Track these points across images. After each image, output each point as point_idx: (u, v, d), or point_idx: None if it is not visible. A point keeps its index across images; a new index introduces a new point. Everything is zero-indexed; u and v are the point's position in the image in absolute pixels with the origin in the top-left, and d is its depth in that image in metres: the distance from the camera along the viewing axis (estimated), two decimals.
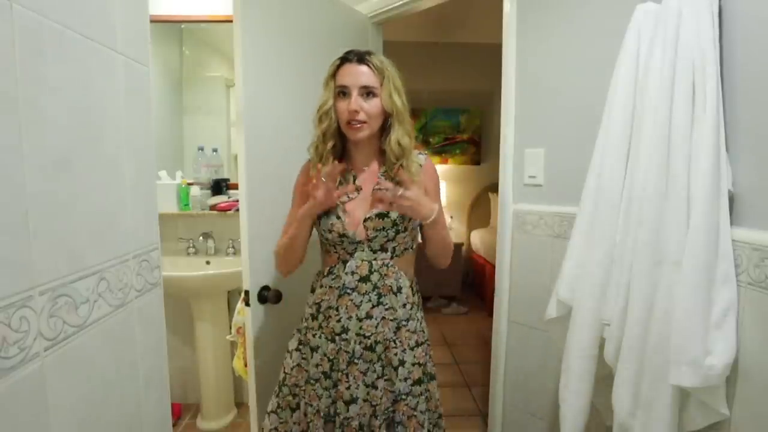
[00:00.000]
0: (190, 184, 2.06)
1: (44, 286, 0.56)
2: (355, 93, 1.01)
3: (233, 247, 2.07)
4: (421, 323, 1.12)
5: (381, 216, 1.04)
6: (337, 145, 1.08)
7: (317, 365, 1.09)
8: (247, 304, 1.24)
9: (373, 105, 1.02)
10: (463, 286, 4.07)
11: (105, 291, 0.69)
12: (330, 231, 1.06)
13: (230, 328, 1.63)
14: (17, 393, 0.52)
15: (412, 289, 1.11)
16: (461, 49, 4.09)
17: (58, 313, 0.58)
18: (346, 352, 1.06)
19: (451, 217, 4.36)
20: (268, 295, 1.27)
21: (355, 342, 1.05)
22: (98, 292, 0.67)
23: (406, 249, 1.10)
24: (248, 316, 1.25)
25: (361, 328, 1.05)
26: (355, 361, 1.05)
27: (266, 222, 1.30)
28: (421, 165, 1.09)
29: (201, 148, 2.12)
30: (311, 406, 1.08)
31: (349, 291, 1.06)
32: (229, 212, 2.00)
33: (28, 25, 0.53)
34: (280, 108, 1.36)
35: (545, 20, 1.38)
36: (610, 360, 1.01)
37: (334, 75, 1.05)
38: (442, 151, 4.39)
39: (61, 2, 0.60)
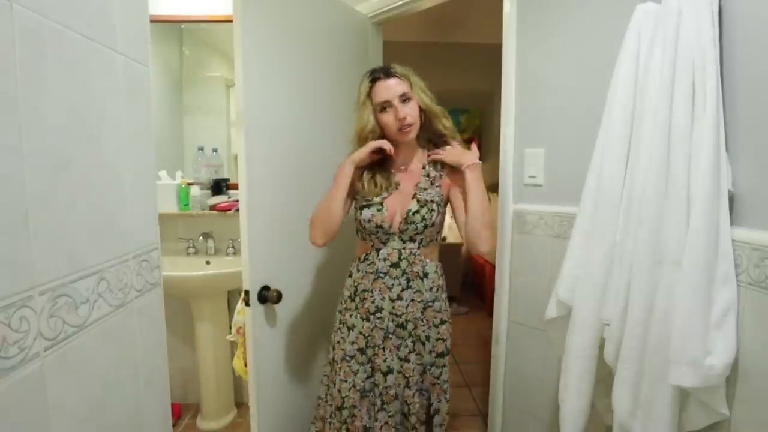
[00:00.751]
0: (190, 184, 2.06)
1: (44, 286, 0.56)
2: (396, 102, 1.15)
3: (233, 247, 2.07)
4: (444, 304, 1.26)
5: (414, 212, 1.18)
6: (375, 162, 1.23)
7: (353, 342, 1.22)
8: (247, 304, 1.24)
9: (412, 107, 1.17)
10: (463, 286, 4.07)
11: (105, 291, 0.69)
12: (369, 221, 1.19)
13: (230, 328, 1.63)
14: (17, 393, 0.52)
15: (437, 273, 1.24)
16: (461, 49, 4.09)
17: (58, 313, 0.58)
18: (380, 329, 1.20)
19: (451, 217, 4.36)
20: (268, 295, 1.27)
21: (388, 320, 1.19)
22: (98, 292, 0.67)
23: (431, 240, 1.23)
24: (248, 316, 1.25)
25: (393, 307, 1.19)
26: (390, 336, 1.19)
27: (266, 222, 1.30)
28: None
29: (201, 148, 2.12)
30: (346, 382, 1.21)
31: (382, 275, 1.20)
32: (229, 212, 2.00)
33: (28, 25, 0.53)
34: (281, 108, 1.36)
35: (545, 20, 1.38)
36: (610, 360, 1.01)
37: (369, 95, 1.18)
38: None
39: (61, 2, 0.60)
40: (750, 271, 0.84)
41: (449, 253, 3.96)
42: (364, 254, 1.24)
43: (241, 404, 2.20)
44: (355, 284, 1.24)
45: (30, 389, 0.54)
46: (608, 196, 1.02)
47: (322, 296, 1.62)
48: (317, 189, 1.54)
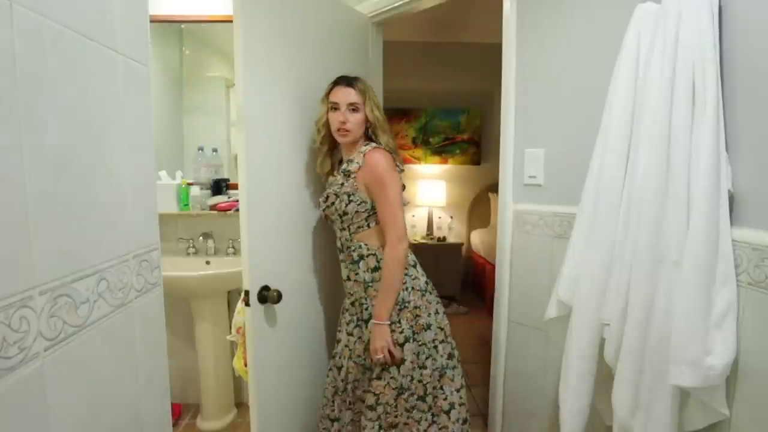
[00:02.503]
0: (190, 184, 2.06)
1: (44, 286, 0.56)
2: (343, 108, 1.31)
3: (233, 247, 2.07)
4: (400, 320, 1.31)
5: (330, 204, 1.34)
6: (330, 148, 1.41)
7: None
8: (247, 304, 1.24)
9: (356, 117, 1.32)
10: (463, 286, 4.07)
11: (105, 291, 0.69)
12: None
13: (230, 328, 1.63)
14: (17, 393, 0.52)
15: (376, 257, 1.32)
16: (461, 49, 4.09)
17: (58, 313, 0.58)
18: (342, 305, 1.43)
19: (451, 217, 4.37)
20: (268, 295, 1.27)
21: (346, 297, 1.40)
22: (98, 292, 0.67)
23: (359, 227, 1.33)
24: (248, 316, 1.25)
25: (346, 286, 1.39)
26: (345, 312, 1.42)
27: (266, 222, 1.30)
28: (358, 162, 1.30)
29: (201, 148, 2.12)
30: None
31: (340, 258, 1.40)
32: (229, 212, 2.00)
33: (28, 25, 0.53)
34: (281, 108, 1.36)
35: (545, 20, 1.38)
36: (610, 360, 1.01)
37: (328, 94, 1.35)
38: (442, 151, 4.38)
39: (61, 2, 0.60)
40: (750, 271, 0.84)
41: (449, 253, 3.96)
42: None
43: (241, 404, 2.20)
44: None
45: (30, 389, 0.54)
46: (608, 196, 1.02)
47: (322, 296, 1.62)
48: (317, 189, 1.54)
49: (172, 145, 2.20)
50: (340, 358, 1.39)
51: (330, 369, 1.44)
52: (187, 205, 2.04)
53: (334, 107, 1.32)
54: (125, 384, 0.76)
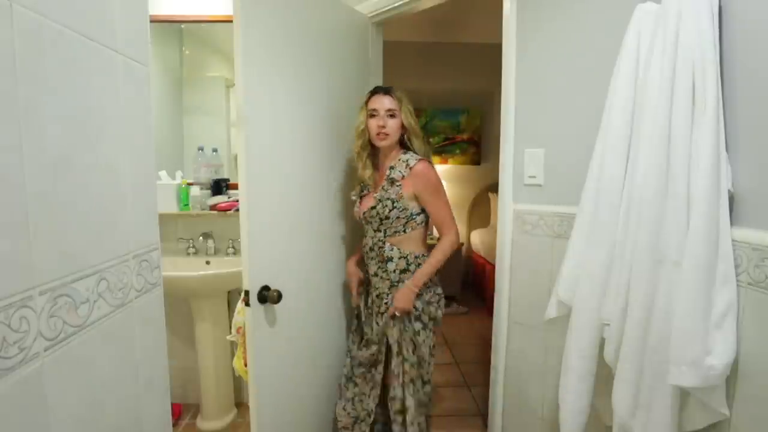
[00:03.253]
0: (190, 184, 2.06)
1: (44, 286, 0.56)
2: (382, 113, 1.44)
3: (233, 247, 2.07)
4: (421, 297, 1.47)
5: (372, 208, 1.45)
6: (366, 151, 1.50)
7: (358, 306, 1.63)
8: (247, 304, 1.24)
9: (393, 122, 1.45)
10: (463, 286, 4.07)
11: (105, 291, 0.69)
12: (355, 215, 1.57)
13: (230, 328, 1.63)
14: (17, 393, 0.52)
15: (405, 260, 1.46)
16: (461, 49, 4.09)
17: (58, 313, 0.58)
18: (369, 296, 1.57)
19: None
20: (268, 295, 1.27)
21: (373, 290, 1.54)
22: (98, 292, 0.67)
23: (396, 232, 1.46)
24: (248, 316, 1.25)
25: (372, 282, 1.54)
26: (370, 305, 1.56)
27: (266, 222, 1.30)
28: (411, 168, 1.42)
29: (201, 148, 2.12)
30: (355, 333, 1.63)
31: (366, 256, 1.54)
32: (229, 212, 2.00)
33: (28, 25, 0.53)
34: (281, 108, 1.36)
35: (545, 20, 1.38)
36: (610, 360, 1.01)
37: (367, 102, 1.48)
38: (442, 151, 4.38)
39: (61, 2, 0.60)
40: (750, 271, 0.84)
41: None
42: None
43: (241, 404, 2.20)
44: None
45: (30, 389, 0.54)
46: (608, 196, 1.02)
47: (323, 296, 1.62)
48: (317, 189, 1.54)
49: (172, 145, 2.20)
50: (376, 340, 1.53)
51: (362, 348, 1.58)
52: (187, 205, 2.04)
53: (373, 114, 1.45)
54: (125, 384, 0.76)
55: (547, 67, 1.39)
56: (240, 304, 1.39)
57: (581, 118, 1.29)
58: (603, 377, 1.07)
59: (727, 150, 0.87)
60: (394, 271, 1.46)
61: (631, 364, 0.94)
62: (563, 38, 1.34)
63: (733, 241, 0.86)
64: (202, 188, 2.07)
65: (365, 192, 1.53)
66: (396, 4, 1.73)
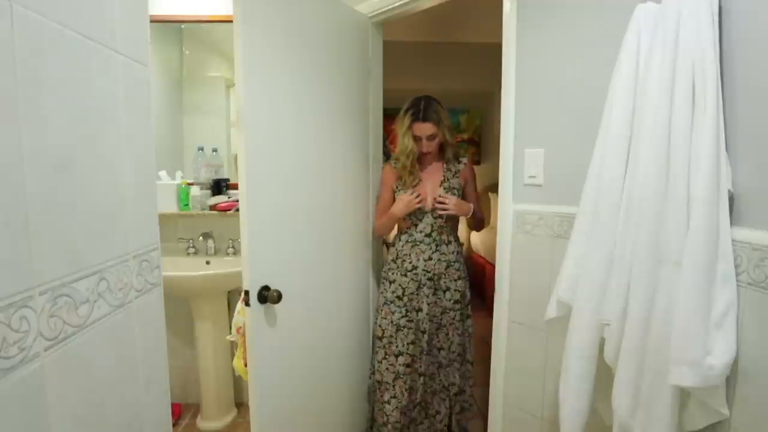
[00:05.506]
0: (190, 184, 2.06)
1: (44, 286, 0.56)
2: (425, 140, 1.72)
3: (233, 247, 2.07)
4: (462, 264, 1.81)
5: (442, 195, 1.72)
6: (416, 167, 1.77)
7: (393, 292, 1.75)
8: (248, 304, 1.24)
9: (434, 143, 1.74)
10: None
11: (105, 291, 0.69)
12: None
13: (230, 328, 1.63)
14: (17, 393, 0.52)
15: (458, 242, 1.81)
16: (461, 49, 4.09)
17: (58, 313, 0.58)
18: (415, 281, 1.72)
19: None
20: (268, 295, 1.27)
21: (421, 275, 1.72)
22: (98, 292, 0.67)
23: (454, 217, 1.77)
24: (248, 317, 1.25)
25: (426, 266, 1.72)
26: (422, 287, 1.72)
27: (266, 222, 1.30)
28: (464, 164, 1.84)
29: (201, 148, 2.12)
30: (386, 319, 1.75)
31: (418, 243, 1.74)
32: (229, 212, 2.00)
33: (28, 25, 0.53)
34: (281, 107, 1.36)
35: (545, 20, 1.38)
36: (610, 360, 1.01)
37: (410, 127, 1.72)
38: None
39: (61, 2, 0.60)
40: (750, 271, 0.84)
41: None
42: (405, 229, 1.78)
43: (241, 404, 2.20)
44: (397, 251, 1.77)
45: (30, 389, 0.54)
46: (608, 196, 1.02)
47: (323, 296, 1.62)
48: (317, 188, 1.54)
49: (172, 145, 2.20)
50: (422, 323, 1.73)
51: (404, 332, 1.74)
52: (187, 205, 2.04)
53: (417, 138, 1.72)
54: (125, 384, 0.76)
55: (547, 67, 1.39)
56: (240, 304, 1.39)
57: (581, 118, 1.29)
58: (603, 377, 1.06)
59: (727, 150, 0.87)
60: (452, 253, 1.75)
61: (631, 364, 0.94)
62: (563, 38, 1.34)
63: (733, 241, 0.86)
64: (202, 188, 2.07)
65: (414, 184, 1.75)
66: (396, 4, 1.73)
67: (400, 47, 3.73)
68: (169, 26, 2.12)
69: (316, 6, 1.51)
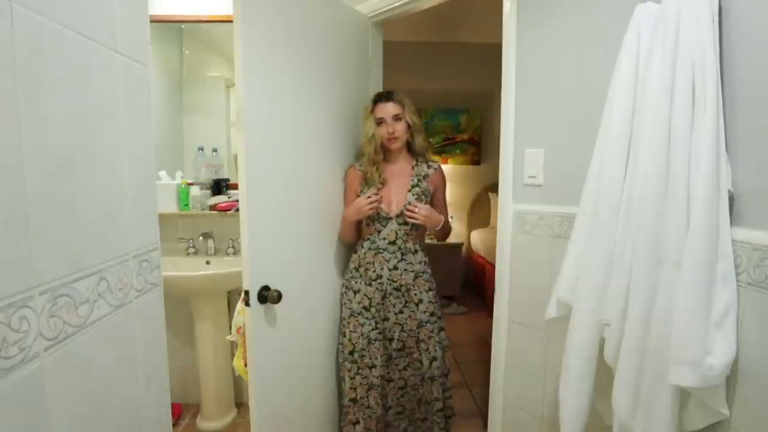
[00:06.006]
0: (190, 184, 2.06)
1: (44, 286, 0.56)
2: (389, 120, 1.56)
3: (233, 247, 2.07)
4: (430, 275, 1.66)
5: (410, 203, 1.56)
6: (380, 156, 1.61)
7: (359, 302, 1.61)
8: (247, 304, 1.24)
9: (401, 125, 1.58)
10: (463, 286, 4.07)
11: (105, 291, 0.69)
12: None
13: (230, 328, 1.63)
14: (17, 393, 0.52)
15: (423, 252, 1.65)
16: (461, 49, 4.09)
17: (58, 313, 0.58)
18: (380, 291, 1.58)
19: (452, 217, 4.36)
20: (268, 295, 1.27)
21: (387, 284, 1.58)
22: (98, 292, 0.67)
23: (421, 225, 1.59)
24: (248, 317, 1.25)
25: (390, 275, 1.58)
26: (387, 296, 1.59)
27: (266, 221, 1.30)
28: (435, 169, 1.67)
29: (201, 148, 2.12)
30: (355, 332, 1.60)
31: (381, 250, 1.59)
32: (229, 212, 2.00)
33: (28, 25, 0.53)
34: (281, 107, 1.36)
35: (545, 20, 1.38)
36: (610, 360, 1.01)
37: (372, 111, 1.59)
38: (442, 151, 4.39)
39: (61, 2, 0.60)
40: (750, 271, 0.84)
41: (449, 253, 3.96)
42: (368, 235, 1.62)
43: (241, 404, 2.20)
44: (359, 258, 1.62)
45: (30, 389, 0.54)
46: (608, 196, 1.02)
47: (323, 296, 1.62)
48: (317, 189, 1.54)
49: (172, 145, 2.20)
50: (389, 331, 1.62)
51: (369, 345, 1.61)
52: (187, 205, 2.04)
53: (380, 121, 1.57)
54: (125, 384, 0.76)
55: (547, 67, 1.39)
56: (240, 304, 1.39)
57: (581, 118, 1.29)
58: (603, 377, 1.06)
59: (727, 150, 0.87)
60: (420, 262, 1.62)
61: (631, 364, 0.94)
62: (563, 38, 1.34)
63: (733, 241, 0.86)
64: (202, 188, 2.07)
65: (378, 187, 1.59)
66: (396, 4, 1.73)
67: (400, 47, 3.73)
68: (169, 26, 2.12)
69: (316, 6, 1.51)
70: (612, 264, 1.01)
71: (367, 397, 1.61)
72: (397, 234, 1.58)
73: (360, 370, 1.60)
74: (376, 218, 1.58)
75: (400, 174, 1.63)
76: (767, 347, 0.82)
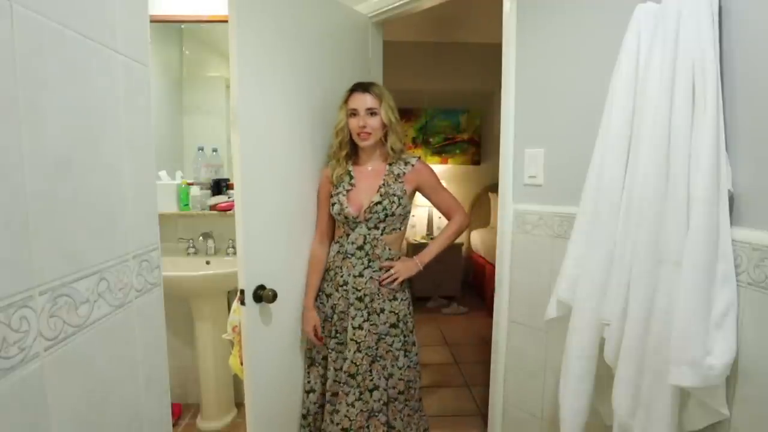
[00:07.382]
0: (190, 184, 2.06)
1: (44, 286, 0.56)
2: (362, 113, 1.39)
3: (233, 247, 2.07)
4: (401, 284, 1.46)
5: (377, 203, 1.39)
6: (349, 152, 1.47)
7: (332, 308, 1.47)
8: (243, 303, 1.24)
9: (375, 120, 1.40)
10: (463, 286, 4.07)
11: (105, 291, 0.69)
12: (338, 213, 1.43)
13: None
14: (17, 393, 0.52)
15: (396, 258, 1.46)
16: (461, 49, 4.09)
17: (58, 313, 0.58)
18: (345, 299, 1.43)
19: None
20: (263, 295, 1.27)
21: (351, 293, 1.42)
22: (98, 292, 0.67)
23: (394, 229, 1.46)
24: (244, 315, 1.25)
25: (355, 282, 1.42)
26: (350, 306, 1.42)
27: (262, 221, 1.30)
28: (413, 165, 1.46)
29: (201, 148, 2.12)
30: (327, 336, 1.48)
31: (349, 255, 1.43)
32: (229, 212, 2.00)
33: (28, 25, 0.53)
34: (278, 107, 1.36)
35: (545, 20, 1.38)
36: (610, 360, 1.01)
37: (346, 101, 1.42)
38: (442, 151, 4.38)
39: (61, 2, 0.60)
40: (750, 271, 0.84)
41: (449, 253, 3.95)
42: (338, 237, 1.50)
43: (241, 404, 2.19)
44: (330, 261, 1.49)
45: (30, 389, 0.54)
46: (608, 196, 1.02)
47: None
48: (313, 189, 1.54)
49: (172, 145, 2.20)
50: (346, 348, 1.41)
51: (316, 365, 1.50)
52: (187, 205, 2.04)
53: (353, 113, 1.41)
54: (125, 384, 0.76)
55: (547, 67, 1.39)
56: (236, 303, 1.39)
57: (581, 118, 1.29)
58: (603, 377, 1.06)
59: (727, 150, 0.87)
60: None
61: (631, 364, 0.94)
62: (563, 38, 1.34)
63: (733, 241, 0.86)
64: (202, 188, 2.07)
65: (347, 188, 1.44)
66: (396, 4, 1.73)
67: (400, 47, 3.73)
68: (169, 26, 2.12)
69: (315, 6, 1.51)
70: (612, 264, 1.01)
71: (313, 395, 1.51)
72: (365, 238, 1.42)
73: (309, 368, 1.52)
74: (344, 221, 1.44)
75: (373, 175, 1.46)
76: (767, 347, 0.82)
